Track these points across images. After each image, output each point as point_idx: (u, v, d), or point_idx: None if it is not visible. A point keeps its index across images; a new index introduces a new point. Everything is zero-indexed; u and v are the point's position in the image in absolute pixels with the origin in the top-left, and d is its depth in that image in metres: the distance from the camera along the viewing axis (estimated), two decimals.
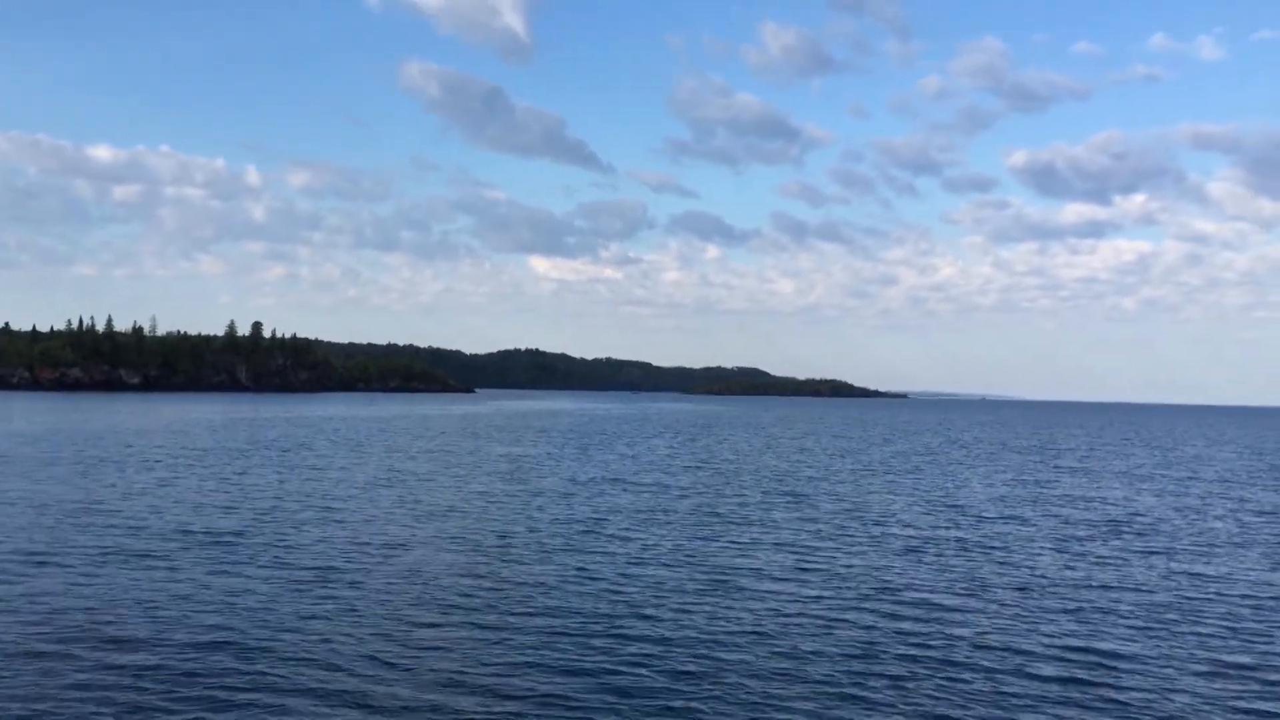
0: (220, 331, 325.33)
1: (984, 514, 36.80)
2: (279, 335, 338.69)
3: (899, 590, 22.53)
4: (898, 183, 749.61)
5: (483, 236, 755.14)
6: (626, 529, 31.05)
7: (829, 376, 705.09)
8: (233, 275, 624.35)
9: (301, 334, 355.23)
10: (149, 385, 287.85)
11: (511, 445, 71.80)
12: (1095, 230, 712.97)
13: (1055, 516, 36.63)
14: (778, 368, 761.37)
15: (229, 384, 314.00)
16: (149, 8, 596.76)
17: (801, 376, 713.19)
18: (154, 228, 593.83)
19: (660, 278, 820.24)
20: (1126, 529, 33.89)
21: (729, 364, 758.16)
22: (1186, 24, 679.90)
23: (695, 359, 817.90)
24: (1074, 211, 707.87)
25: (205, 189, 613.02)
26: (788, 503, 39.17)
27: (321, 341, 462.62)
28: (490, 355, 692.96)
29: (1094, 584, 23.36)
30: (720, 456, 65.56)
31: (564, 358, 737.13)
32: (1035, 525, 34.39)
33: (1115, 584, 23.49)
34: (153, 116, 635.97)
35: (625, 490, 42.44)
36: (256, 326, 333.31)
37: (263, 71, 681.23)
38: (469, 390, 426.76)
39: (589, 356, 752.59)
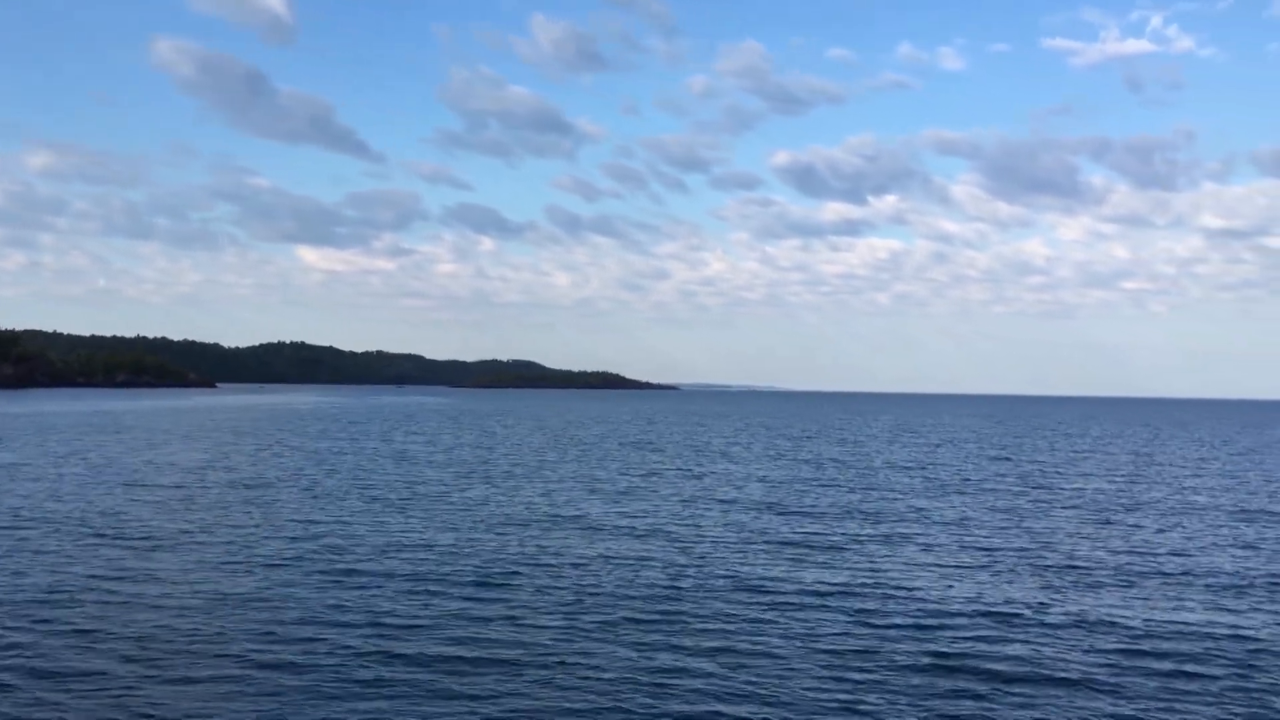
0: None
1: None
2: None
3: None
4: (668, 179, 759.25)
5: (246, 225, 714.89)
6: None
7: (603, 369, 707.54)
8: None
9: (44, 327, 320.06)
10: None
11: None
12: (852, 228, 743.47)
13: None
14: (554, 360, 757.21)
15: None
16: None
17: (576, 369, 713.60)
18: None
19: (435, 270, 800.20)
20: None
21: (505, 357, 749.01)
22: (930, 35, 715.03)
23: (470, 352, 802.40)
24: (832, 210, 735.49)
25: None
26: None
27: (60, 334, 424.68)
28: (252, 349, 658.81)
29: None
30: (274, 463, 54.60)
31: (332, 351, 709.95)
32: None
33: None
34: None
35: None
36: None
37: None
38: (210, 385, 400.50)
39: (359, 350, 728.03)
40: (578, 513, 34.48)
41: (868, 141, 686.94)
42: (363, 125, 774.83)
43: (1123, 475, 53.33)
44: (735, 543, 28.49)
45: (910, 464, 59.28)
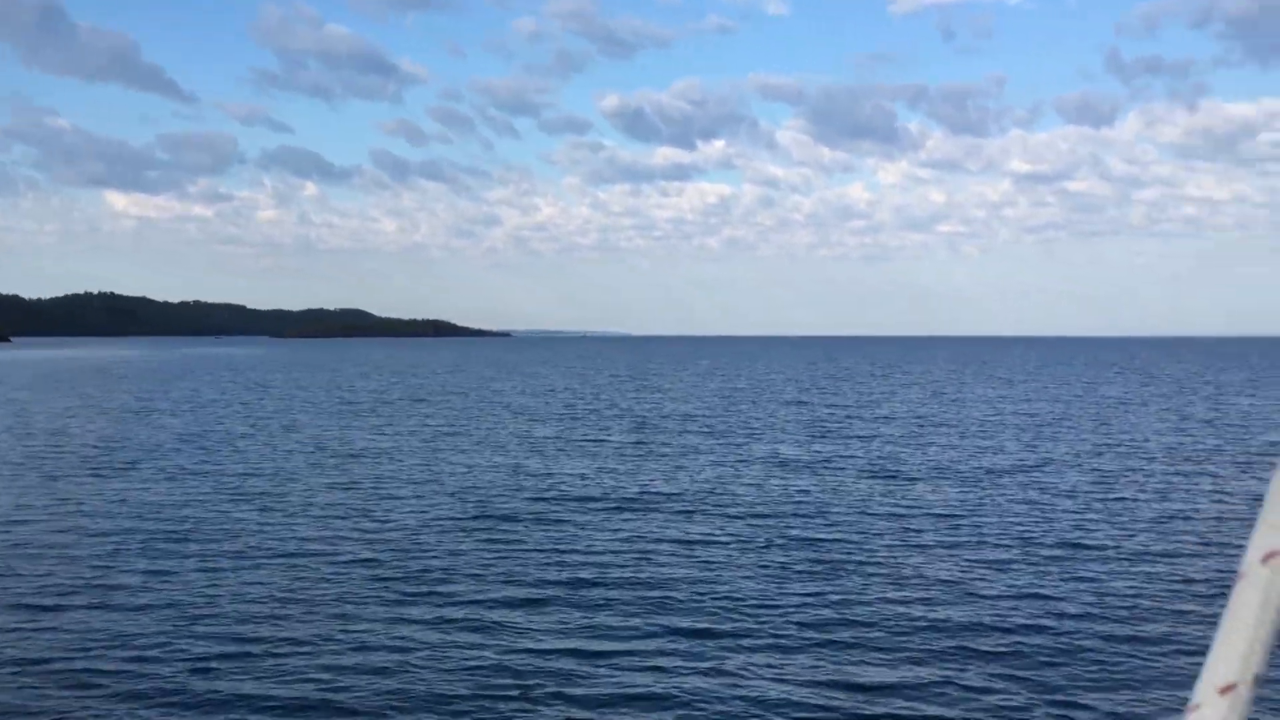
0: None
1: None
2: None
3: None
4: (497, 123, 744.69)
5: (47, 169, 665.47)
6: None
7: (435, 317, 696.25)
8: None
9: None
10: None
11: None
12: (681, 173, 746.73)
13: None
14: (382, 308, 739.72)
15: None
16: None
17: (406, 317, 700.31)
18: None
19: (255, 216, 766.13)
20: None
21: (331, 305, 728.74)
22: None
23: (294, 301, 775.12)
24: (662, 155, 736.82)
25: None
26: None
27: None
28: (57, 300, 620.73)
29: None
30: None
31: (145, 301, 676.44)
32: None
33: None
34: None
35: None
36: None
37: None
38: (4, 339, 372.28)
39: (175, 300, 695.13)
40: (260, 492, 28.48)
41: (695, 85, 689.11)
42: (171, 63, 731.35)
43: (917, 420, 50.63)
44: (390, 539, 23.16)
45: (703, 412, 55.37)
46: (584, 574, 18.40)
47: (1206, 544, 20.79)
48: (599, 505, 25.70)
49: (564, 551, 20.30)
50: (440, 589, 17.41)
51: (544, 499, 26.70)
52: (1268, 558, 0.65)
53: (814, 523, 23.27)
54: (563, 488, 28.60)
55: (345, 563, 19.41)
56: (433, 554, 20.10)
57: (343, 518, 24.16)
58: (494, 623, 15.40)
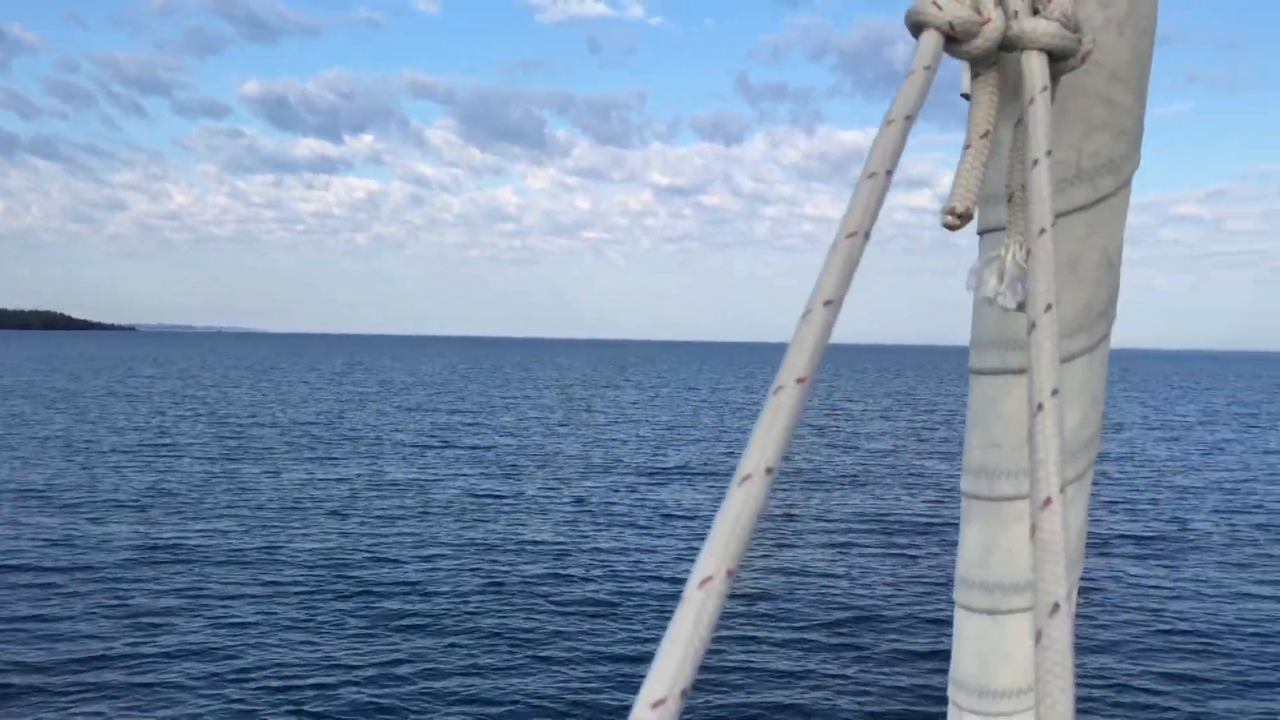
0: None
1: None
2: None
3: None
4: (123, 101, 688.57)
5: None
6: None
7: (47, 308, 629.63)
8: None
9: None
10: None
11: None
12: (329, 166, 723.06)
13: None
14: None
15: None
16: None
17: (12, 307, 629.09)
18: None
19: None
20: None
21: None
22: None
23: None
24: (307, 146, 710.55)
25: None
26: None
27: None
28: None
29: None
30: None
31: None
32: None
33: None
34: None
35: None
36: None
37: None
38: None
39: None
40: None
41: (343, 77, 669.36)
42: None
43: (542, 428, 48.07)
44: None
45: (310, 419, 49.90)
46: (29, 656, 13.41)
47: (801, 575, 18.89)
48: (108, 551, 20.38)
49: (26, 632, 15.10)
50: None
51: (48, 545, 20.97)
52: (703, 583, 0.71)
53: (389, 565, 19.35)
54: (79, 527, 22.85)
55: None
56: None
57: None
58: None
